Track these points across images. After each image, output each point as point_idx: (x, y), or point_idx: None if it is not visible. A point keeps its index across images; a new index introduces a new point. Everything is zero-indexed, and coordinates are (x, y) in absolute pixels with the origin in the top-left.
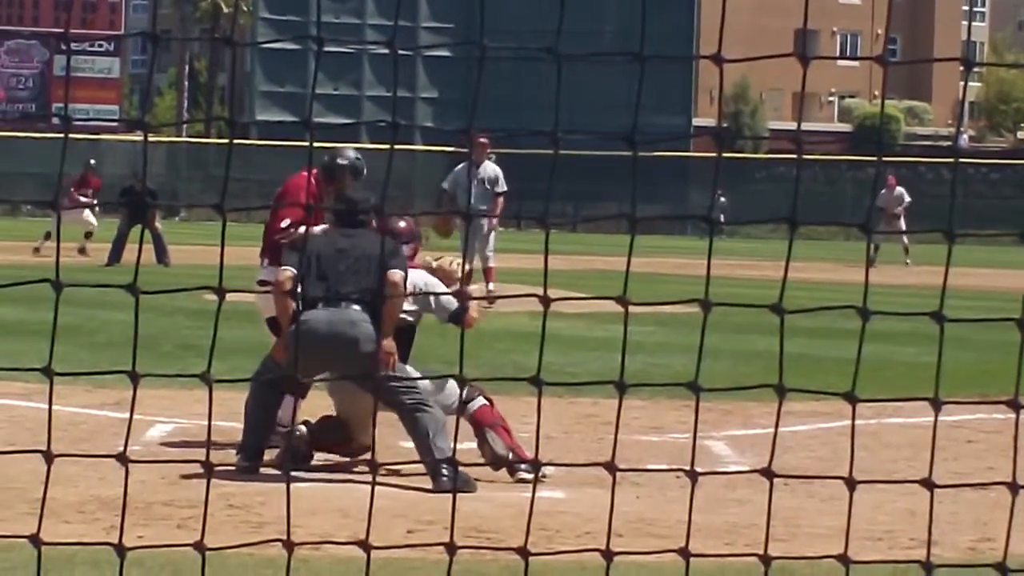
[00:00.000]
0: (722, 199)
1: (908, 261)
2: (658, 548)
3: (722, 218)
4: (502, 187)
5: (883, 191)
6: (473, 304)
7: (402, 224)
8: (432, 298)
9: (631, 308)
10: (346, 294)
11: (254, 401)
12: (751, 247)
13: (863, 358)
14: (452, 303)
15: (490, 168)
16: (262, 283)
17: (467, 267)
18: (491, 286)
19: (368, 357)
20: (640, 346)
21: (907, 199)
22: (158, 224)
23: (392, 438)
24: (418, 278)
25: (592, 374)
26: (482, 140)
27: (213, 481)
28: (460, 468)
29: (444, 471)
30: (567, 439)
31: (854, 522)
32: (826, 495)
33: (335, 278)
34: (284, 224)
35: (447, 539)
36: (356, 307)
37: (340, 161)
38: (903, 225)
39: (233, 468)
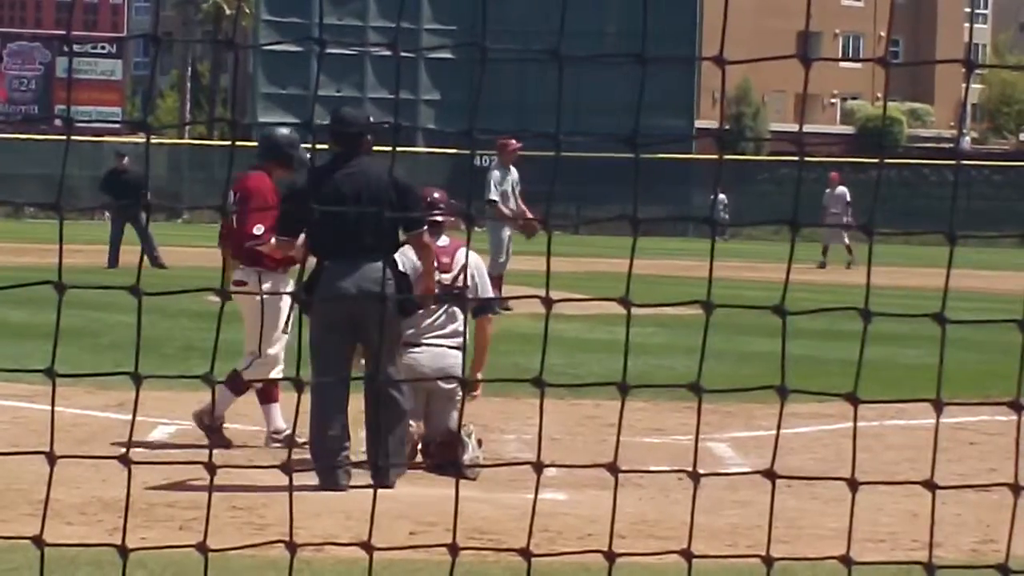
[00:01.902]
0: (721, 195)
1: (850, 260)
2: (660, 549)
3: (724, 215)
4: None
5: (827, 190)
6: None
7: (437, 194)
8: (478, 280)
9: (633, 310)
10: (365, 244)
11: (318, 412)
12: (753, 249)
13: (865, 359)
14: (488, 294)
15: (516, 172)
16: (239, 283)
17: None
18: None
19: (388, 316)
20: (643, 347)
21: (848, 198)
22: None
23: None
24: (477, 259)
25: (595, 376)
26: (515, 143)
27: (216, 483)
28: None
29: (390, 473)
30: (570, 440)
31: (856, 524)
32: (828, 496)
33: (349, 226)
34: (257, 231)
35: (450, 540)
36: (376, 262)
37: (290, 149)
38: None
39: (236, 469)
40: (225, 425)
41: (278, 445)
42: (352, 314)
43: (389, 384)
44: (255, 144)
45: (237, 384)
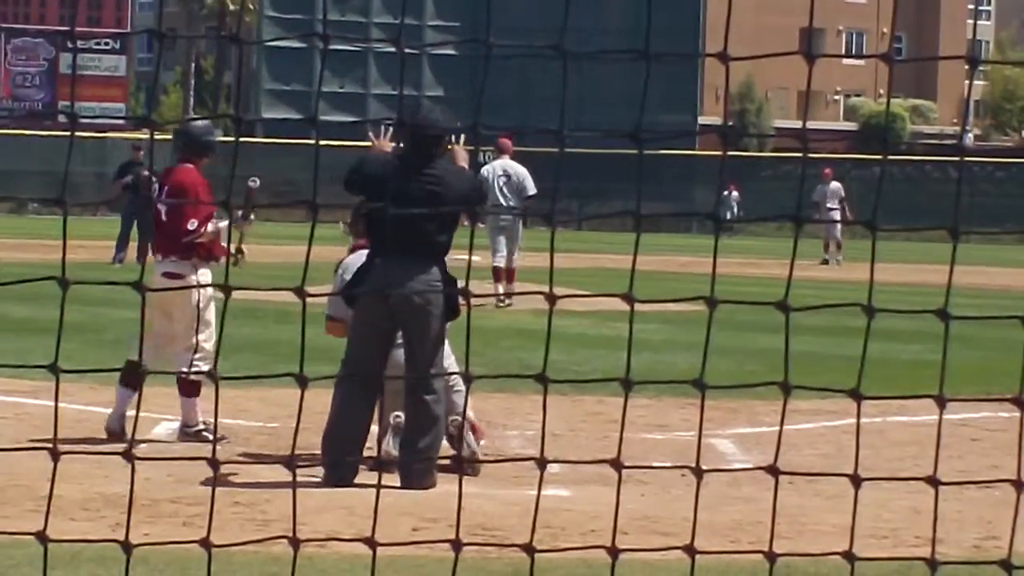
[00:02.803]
0: (735, 193)
1: (840, 259)
2: (663, 545)
3: (732, 213)
4: None
5: (818, 185)
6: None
7: None
8: None
9: (637, 306)
10: (418, 246)
11: (340, 406)
12: (756, 245)
13: (868, 356)
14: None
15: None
16: (172, 276)
17: (507, 265)
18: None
19: (435, 325)
20: (646, 344)
21: (842, 193)
22: None
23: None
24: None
25: (598, 372)
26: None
27: (219, 479)
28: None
29: (416, 472)
30: (573, 437)
31: (859, 520)
32: (831, 493)
33: (408, 226)
34: (191, 226)
35: (452, 536)
36: (427, 264)
37: (208, 138)
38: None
39: (241, 464)
40: (223, 422)
41: (188, 440)
42: (395, 314)
43: (425, 388)
44: (258, 140)
45: (188, 387)
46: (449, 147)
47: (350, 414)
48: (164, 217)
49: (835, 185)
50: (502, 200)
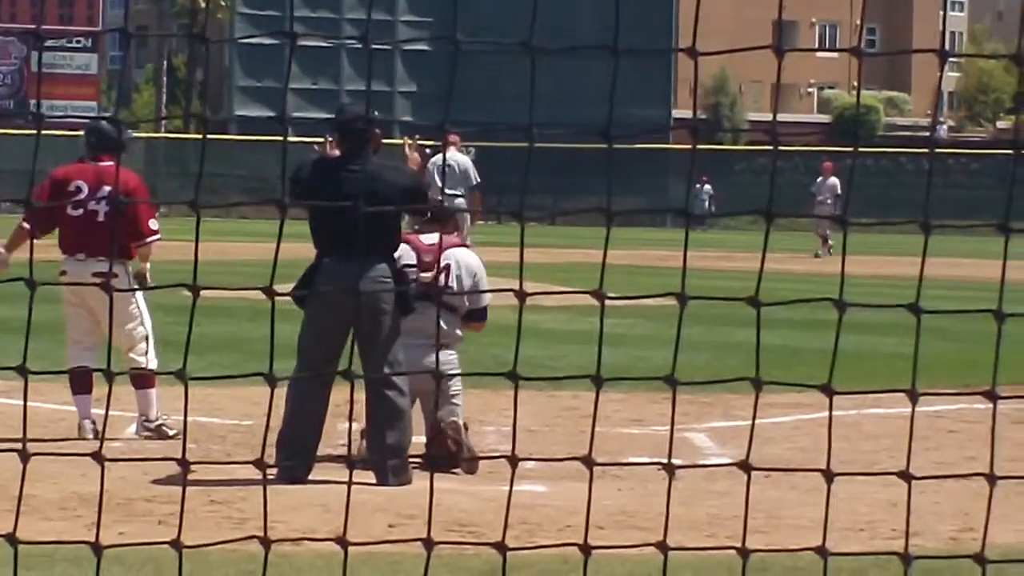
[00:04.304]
0: (707, 186)
1: (819, 253)
2: (640, 540)
3: (708, 206)
4: None
5: (819, 178)
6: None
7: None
8: (470, 283)
9: (613, 301)
10: (363, 244)
11: (295, 405)
12: (732, 239)
13: (843, 349)
14: (484, 299)
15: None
16: (105, 276)
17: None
18: None
19: (387, 321)
20: (623, 339)
21: (839, 191)
22: None
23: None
24: (471, 260)
25: (574, 367)
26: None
27: (194, 477)
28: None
29: (390, 468)
30: (549, 432)
31: (837, 513)
32: (808, 486)
33: (349, 224)
34: (154, 226)
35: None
36: (375, 262)
37: (123, 136)
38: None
39: (215, 464)
40: (198, 420)
41: (148, 434)
42: (346, 312)
43: (385, 384)
44: (231, 138)
45: (148, 380)
46: (408, 146)
47: (304, 413)
48: (103, 217)
49: (832, 180)
50: (446, 190)
